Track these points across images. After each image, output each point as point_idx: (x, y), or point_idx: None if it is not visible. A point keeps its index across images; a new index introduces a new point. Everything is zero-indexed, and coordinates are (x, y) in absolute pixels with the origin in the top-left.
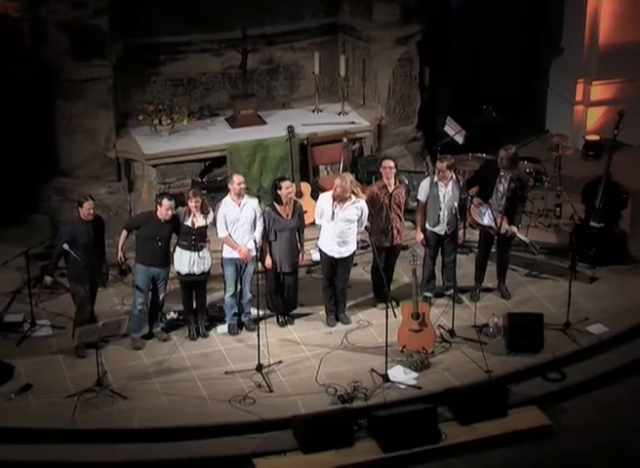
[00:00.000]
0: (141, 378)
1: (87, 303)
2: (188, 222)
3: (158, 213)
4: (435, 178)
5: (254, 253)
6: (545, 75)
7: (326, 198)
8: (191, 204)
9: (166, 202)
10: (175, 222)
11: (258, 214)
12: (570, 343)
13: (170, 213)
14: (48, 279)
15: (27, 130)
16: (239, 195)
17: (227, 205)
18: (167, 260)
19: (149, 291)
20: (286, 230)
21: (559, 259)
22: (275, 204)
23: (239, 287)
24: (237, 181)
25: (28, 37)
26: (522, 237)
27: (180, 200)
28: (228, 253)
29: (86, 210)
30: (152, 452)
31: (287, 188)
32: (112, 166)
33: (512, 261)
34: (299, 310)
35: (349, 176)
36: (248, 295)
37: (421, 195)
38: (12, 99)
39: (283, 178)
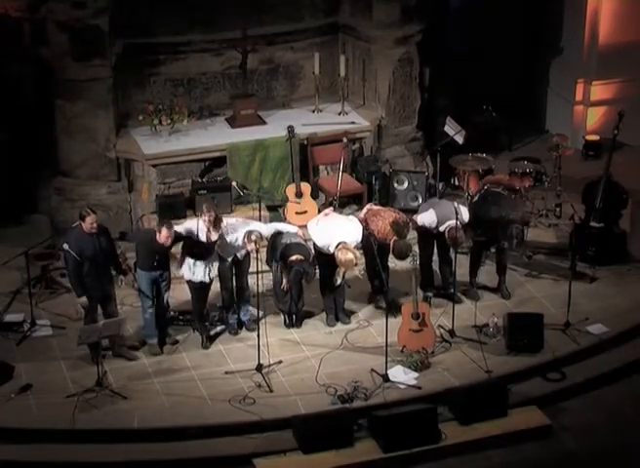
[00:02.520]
0: (141, 378)
1: (94, 313)
2: (203, 237)
3: (157, 237)
4: (442, 228)
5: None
6: (545, 75)
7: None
8: (205, 218)
9: (165, 231)
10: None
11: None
12: (570, 343)
13: (169, 241)
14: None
15: (27, 130)
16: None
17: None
18: (167, 264)
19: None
20: None
21: (559, 259)
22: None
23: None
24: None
25: (28, 37)
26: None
27: (180, 201)
28: (225, 253)
29: (89, 224)
30: (152, 452)
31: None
32: (112, 166)
33: (512, 261)
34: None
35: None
36: (245, 293)
37: (425, 223)
38: (12, 99)
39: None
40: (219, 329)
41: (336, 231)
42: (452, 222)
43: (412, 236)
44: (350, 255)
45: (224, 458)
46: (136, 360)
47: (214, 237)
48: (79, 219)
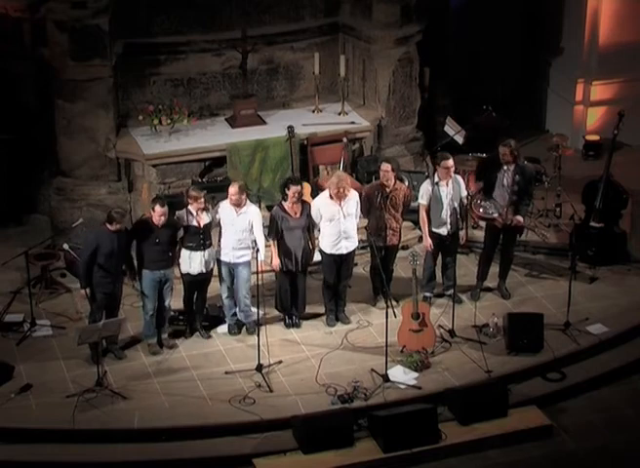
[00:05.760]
0: (141, 378)
1: (100, 310)
2: (194, 223)
3: (153, 218)
4: (436, 179)
5: (262, 258)
6: (545, 75)
7: (323, 201)
8: (197, 205)
9: (158, 208)
10: (173, 227)
11: (256, 222)
12: (570, 343)
13: (163, 219)
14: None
15: (27, 130)
16: (237, 205)
17: (224, 209)
18: (170, 262)
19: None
20: (295, 229)
21: (559, 259)
22: (283, 203)
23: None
24: (231, 192)
25: (28, 37)
26: (527, 225)
27: (180, 201)
28: (222, 255)
29: (118, 226)
30: (152, 452)
31: (294, 192)
32: (112, 166)
33: (513, 261)
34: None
35: (342, 173)
36: (243, 302)
37: (424, 199)
38: (12, 99)
39: (296, 182)
40: (218, 329)
41: None
42: None
43: (414, 236)
44: (342, 176)
45: (224, 458)
46: (123, 358)
47: (204, 220)
48: (106, 220)
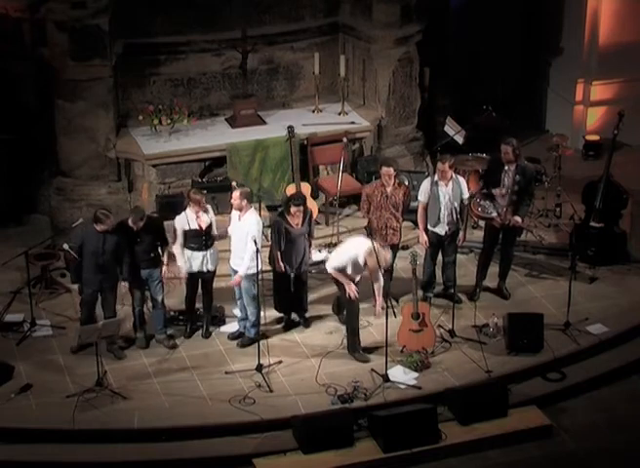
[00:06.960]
0: (141, 378)
1: (89, 307)
2: (195, 226)
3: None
4: (435, 178)
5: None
6: (545, 75)
7: (353, 260)
8: (198, 206)
9: (132, 217)
10: (154, 229)
11: (255, 233)
12: (570, 343)
13: (136, 226)
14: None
15: (27, 130)
16: (238, 209)
17: (233, 213)
18: (154, 260)
19: (144, 292)
20: (297, 238)
21: (559, 259)
22: (285, 214)
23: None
24: (233, 196)
25: (28, 37)
26: (525, 226)
27: (180, 201)
28: (231, 258)
29: (103, 226)
30: (152, 452)
31: (294, 211)
32: (112, 166)
33: (513, 261)
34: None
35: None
36: (248, 313)
37: (422, 196)
38: (12, 99)
39: (298, 202)
40: (221, 328)
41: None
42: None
43: (414, 236)
44: (374, 258)
45: (224, 458)
46: (123, 358)
47: (205, 222)
48: (93, 219)
